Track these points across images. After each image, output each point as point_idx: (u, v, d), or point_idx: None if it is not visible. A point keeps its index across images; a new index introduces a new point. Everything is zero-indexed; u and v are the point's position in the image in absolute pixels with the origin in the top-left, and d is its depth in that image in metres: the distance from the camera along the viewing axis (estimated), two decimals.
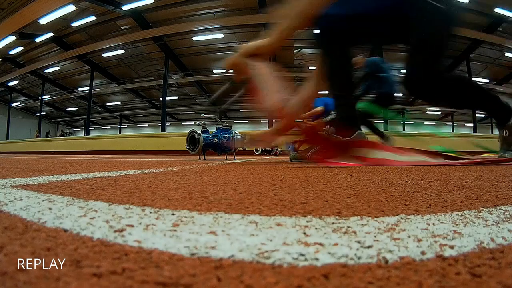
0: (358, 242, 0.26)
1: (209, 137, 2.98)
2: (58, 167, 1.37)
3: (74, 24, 10.49)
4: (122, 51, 12.17)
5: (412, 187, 0.62)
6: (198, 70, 13.76)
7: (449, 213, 0.38)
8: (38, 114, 16.06)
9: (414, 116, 18.75)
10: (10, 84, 15.73)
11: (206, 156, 3.24)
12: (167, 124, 11.72)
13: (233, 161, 2.48)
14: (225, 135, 2.97)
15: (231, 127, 3.11)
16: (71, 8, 9.25)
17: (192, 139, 2.98)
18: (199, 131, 2.98)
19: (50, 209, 0.39)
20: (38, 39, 11.16)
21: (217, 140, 2.96)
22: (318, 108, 3.36)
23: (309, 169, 1.23)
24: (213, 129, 3.19)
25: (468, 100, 1.56)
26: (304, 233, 0.28)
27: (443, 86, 1.43)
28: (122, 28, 10.96)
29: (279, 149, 6.48)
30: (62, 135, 20.46)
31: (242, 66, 1.50)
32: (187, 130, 3.16)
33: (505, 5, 8.45)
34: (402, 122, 17.65)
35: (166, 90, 11.33)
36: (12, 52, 12.37)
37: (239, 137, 2.98)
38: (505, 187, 0.63)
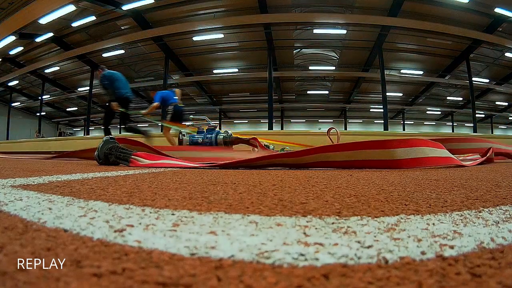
0: (358, 242, 0.26)
1: (194, 137, 3.02)
2: (58, 167, 1.37)
3: (74, 24, 10.48)
4: (122, 51, 12.16)
5: (412, 187, 0.62)
6: (198, 70, 13.75)
7: (449, 213, 0.38)
8: (38, 114, 16.05)
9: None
10: (10, 84, 15.72)
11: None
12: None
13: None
14: (208, 135, 2.99)
15: (215, 127, 3.13)
16: (71, 8, 9.24)
17: (179, 139, 3.08)
18: (184, 131, 3.06)
19: (50, 209, 0.39)
20: (38, 39, 11.15)
21: (201, 140, 2.98)
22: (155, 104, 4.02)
23: (309, 169, 1.23)
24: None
25: None
26: (304, 233, 0.28)
27: None
28: (122, 28, 10.95)
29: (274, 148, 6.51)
30: (60, 134, 20.44)
31: None
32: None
33: (505, 5, 8.45)
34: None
35: None
36: (12, 52, 12.35)
37: (221, 136, 2.97)
38: (505, 187, 0.63)
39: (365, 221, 0.33)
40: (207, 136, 2.98)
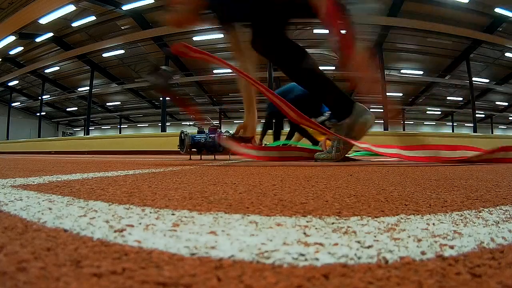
0: (358, 242, 0.26)
1: (196, 137, 3.02)
2: (58, 167, 1.37)
3: (74, 24, 10.49)
4: (122, 51, 12.17)
5: (412, 187, 0.62)
6: (198, 70, 13.77)
7: (449, 213, 0.38)
8: (38, 114, 16.06)
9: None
10: (10, 84, 15.74)
11: (202, 157, 3.25)
12: (167, 124, 11.71)
13: (226, 162, 2.48)
14: (210, 135, 3.00)
15: (218, 127, 3.13)
16: (71, 8, 9.25)
17: (180, 139, 3.04)
18: (186, 131, 3.03)
19: (50, 209, 0.39)
20: (38, 39, 11.16)
21: (204, 140, 2.99)
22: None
23: (308, 169, 1.23)
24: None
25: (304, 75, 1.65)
26: (304, 233, 0.28)
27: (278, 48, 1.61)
28: (122, 28, 10.96)
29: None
30: (63, 135, 20.47)
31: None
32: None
33: (505, 5, 8.45)
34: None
35: None
36: (12, 52, 12.37)
37: (224, 136, 2.99)
38: (505, 187, 0.63)
39: (365, 221, 0.33)
40: (210, 136, 2.99)
